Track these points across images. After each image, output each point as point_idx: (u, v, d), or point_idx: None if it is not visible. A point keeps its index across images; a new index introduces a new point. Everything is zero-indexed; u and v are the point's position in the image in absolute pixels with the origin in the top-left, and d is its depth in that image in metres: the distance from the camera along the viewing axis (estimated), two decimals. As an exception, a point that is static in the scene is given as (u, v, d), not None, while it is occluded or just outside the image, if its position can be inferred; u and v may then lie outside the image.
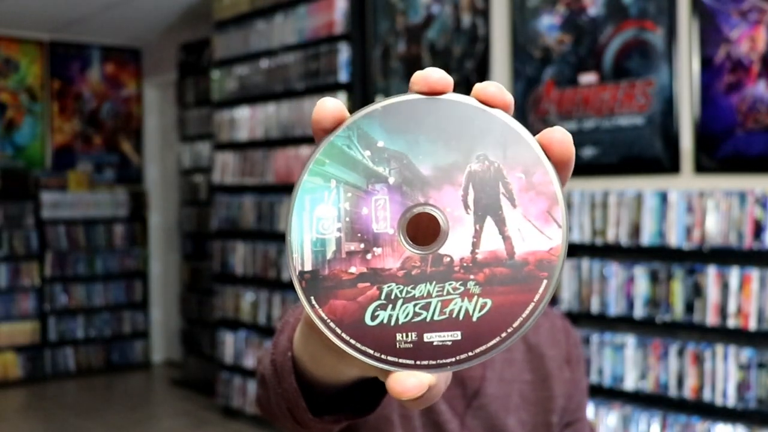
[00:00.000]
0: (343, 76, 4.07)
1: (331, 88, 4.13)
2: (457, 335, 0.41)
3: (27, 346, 5.97)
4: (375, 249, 0.41)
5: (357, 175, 0.41)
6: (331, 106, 0.42)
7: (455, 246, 0.41)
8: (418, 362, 0.41)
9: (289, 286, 4.25)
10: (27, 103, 6.27)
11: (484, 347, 0.41)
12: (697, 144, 2.81)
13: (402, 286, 0.41)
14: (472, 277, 0.41)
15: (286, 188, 4.38)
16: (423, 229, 0.42)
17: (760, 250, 2.61)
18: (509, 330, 0.41)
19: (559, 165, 0.41)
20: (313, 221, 0.42)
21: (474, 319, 0.41)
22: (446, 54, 3.68)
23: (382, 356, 0.41)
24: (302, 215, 0.42)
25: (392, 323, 0.41)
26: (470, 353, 0.41)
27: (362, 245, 0.41)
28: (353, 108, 4.00)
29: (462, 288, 0.41)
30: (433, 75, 0.41)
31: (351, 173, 0.41)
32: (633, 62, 2.97)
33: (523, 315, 0.41)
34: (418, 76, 0.41)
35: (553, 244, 0.41)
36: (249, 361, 4.61)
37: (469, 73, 3.57)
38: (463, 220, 0.41)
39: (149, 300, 6.62)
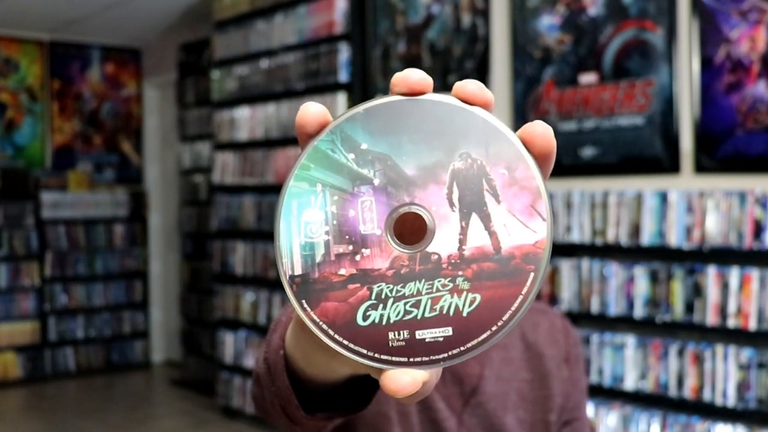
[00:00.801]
0: (343, 76, 4.07)
1: (331, 88, 4.12)
2: (448, 331, 0.41)
3: (27, 346, 5.98)
4: (363, 250, 0.42)
5: (342, 178, 0.42)
6: (314, 110, 0.42)
7: (442, 243, 0.41)
8: (411, 359, 0.42)
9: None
10: (27, 103, 6.27)
11: (475, 341, 0.41)
12: (697, 144, 2.81)
13: (392, 286, 0.42)
14: (460, 273, 0.41)
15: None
16: (410, 229, 0.42)
17: (760, 250, 2.61)
18: (499, 323, 0.41)
19: (540, 159, 0.41)
20: (301, 225, 0.42)
21: (464, 314, 0.41)
22: (446, 54, 3.68)
23: (375, 355, 0.42)
24: (290, 220, 0.42)
25: (384, 322, 0.42)
26: (462, 348, 0.41)
27: (351, 247, 0.42)
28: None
29: (451, 284, 0.41)
30: (413, 76, 0.41)
31: (336, 176, 0.42)
32: (633, 62, 2.97)
33: (512, 308, 0.41)
34: (398, 77, 0.41)
35: (538, 237, 0.41)
36: (249, 361, 4.61)
37: (469, 73, 3.56)
38: (449, 218, 0.41)
39: (149, 300, 6.63)
